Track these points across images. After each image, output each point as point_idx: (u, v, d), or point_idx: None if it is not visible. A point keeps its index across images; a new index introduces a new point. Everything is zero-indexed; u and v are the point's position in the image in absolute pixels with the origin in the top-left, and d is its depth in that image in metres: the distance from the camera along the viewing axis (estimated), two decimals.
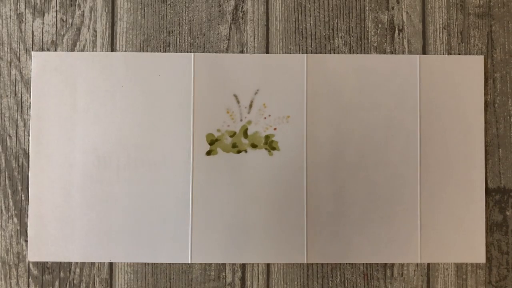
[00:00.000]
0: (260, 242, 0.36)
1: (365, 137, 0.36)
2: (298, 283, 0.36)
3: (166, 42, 0.37)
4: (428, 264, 0.36)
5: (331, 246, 0.35)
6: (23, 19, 0.37)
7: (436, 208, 0.36)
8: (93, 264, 0.36)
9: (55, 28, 0.37)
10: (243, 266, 0.36)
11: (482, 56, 0.37)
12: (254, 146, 0.36)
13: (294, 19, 0.37)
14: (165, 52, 0.37)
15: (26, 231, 0.36)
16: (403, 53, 0.37)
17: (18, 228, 0.36)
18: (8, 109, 0.37)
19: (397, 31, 0.37)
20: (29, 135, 0.36)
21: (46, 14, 0.37)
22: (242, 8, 0.37)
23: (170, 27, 0.37)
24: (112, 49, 0.37)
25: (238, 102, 0.36)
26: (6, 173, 0.36)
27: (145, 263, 0.36)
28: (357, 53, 0.37)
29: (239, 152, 0.36)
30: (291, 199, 0.36)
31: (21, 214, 0.36)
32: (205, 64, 0.36)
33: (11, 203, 0.36)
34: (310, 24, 0.37)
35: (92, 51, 0.37)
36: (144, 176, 0.36)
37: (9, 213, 0.36)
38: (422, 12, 0.37)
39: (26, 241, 0.36)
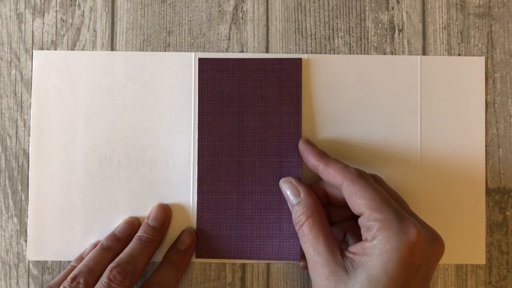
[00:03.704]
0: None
1: (365, 137, 0.36)
2: (298, 283, 0.36)
3: (166, 42, 0.37)
4: None
5: None
6: (23, 19, 0.37)
7: (435, 208, 0.36)
8: None
9: (55, 28, 0.37)
10: (243, 266, 0.36)
11: (483, 58, 0.37)
12: None
13: (294, 19, 0.37)
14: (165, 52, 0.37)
15: (26, 231, 0.36)
16: (403, 53, 0.37)
17: (18, 228, 0.36)
18: (8, 109, 0.37)
19: (397, 31, 0.37)
20: (29, 135, 0.36)
21: (46, 14, 0.37)
22: (242, 8, 0.37)
23: (170, 27, 0.37)
24: (112, 49, 0.37)
25: None
26: (6, 173, 0.36)
27: None
28: (357, 53, 0.37)
29: None
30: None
31: (21, 214, 0.36)
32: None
33: (11, 203, 0.36)
34: (310, 24, 0.37)
35: (92, 51, 0.37)
36: (144, 176, 0.36)
37: (9, 213, 0.36)
38: (422, 12, 0.37)
39: (26, 241, 0.36)
